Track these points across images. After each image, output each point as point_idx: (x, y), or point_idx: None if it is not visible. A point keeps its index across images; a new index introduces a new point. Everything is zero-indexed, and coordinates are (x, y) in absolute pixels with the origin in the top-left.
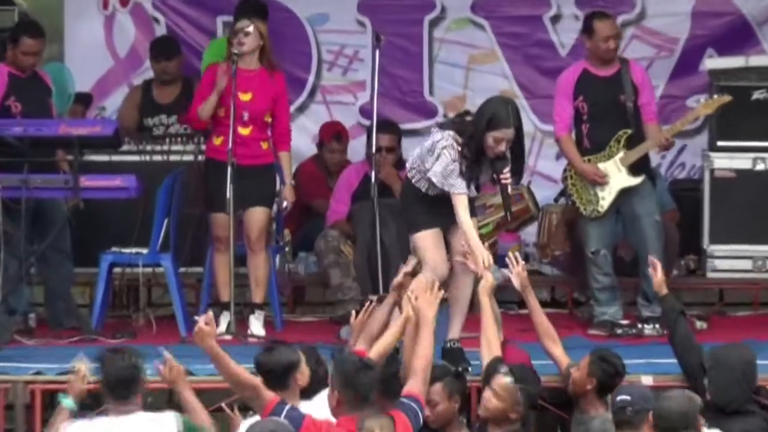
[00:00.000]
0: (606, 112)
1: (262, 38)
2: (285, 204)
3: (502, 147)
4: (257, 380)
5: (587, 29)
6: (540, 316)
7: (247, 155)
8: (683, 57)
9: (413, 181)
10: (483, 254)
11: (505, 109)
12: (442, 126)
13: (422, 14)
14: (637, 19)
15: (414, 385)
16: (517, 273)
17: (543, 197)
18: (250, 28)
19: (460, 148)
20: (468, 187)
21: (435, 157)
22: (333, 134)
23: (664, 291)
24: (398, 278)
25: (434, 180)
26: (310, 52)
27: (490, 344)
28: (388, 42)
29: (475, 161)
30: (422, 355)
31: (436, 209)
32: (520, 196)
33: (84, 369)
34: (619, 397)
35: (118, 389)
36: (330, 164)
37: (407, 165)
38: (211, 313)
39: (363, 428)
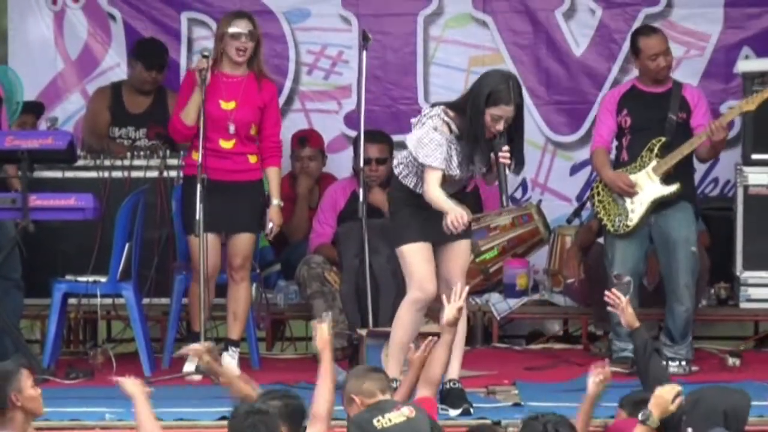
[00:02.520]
0: (650, 125)
1: (258, 43)
2: (270, 225)
3: (500, 126)
4: None
5: (633, 49)
6: None
7: (230, 170)
8: (715, 57)
9: (400, 177)
10: (457, 212)
11: (505, 84)
12: (434, 105)
13: (416, 9)
14: (663, 13)
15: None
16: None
17: (555, 218)
18: (252, 29)
19: (449, 121)
20: (464, 168)
21: (419, 127)
22: (297, 139)
23: (636, 324)
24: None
25: (410, 147)
26: (288, 52)
27: None
28: (376, 41)
29: (468, 140)
30: (441, 364)
31: (428, 221)
32: (529, 216)
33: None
34: None
35: None
36: (298, 175)
37: (394, 162)
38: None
39: (360, 391)
